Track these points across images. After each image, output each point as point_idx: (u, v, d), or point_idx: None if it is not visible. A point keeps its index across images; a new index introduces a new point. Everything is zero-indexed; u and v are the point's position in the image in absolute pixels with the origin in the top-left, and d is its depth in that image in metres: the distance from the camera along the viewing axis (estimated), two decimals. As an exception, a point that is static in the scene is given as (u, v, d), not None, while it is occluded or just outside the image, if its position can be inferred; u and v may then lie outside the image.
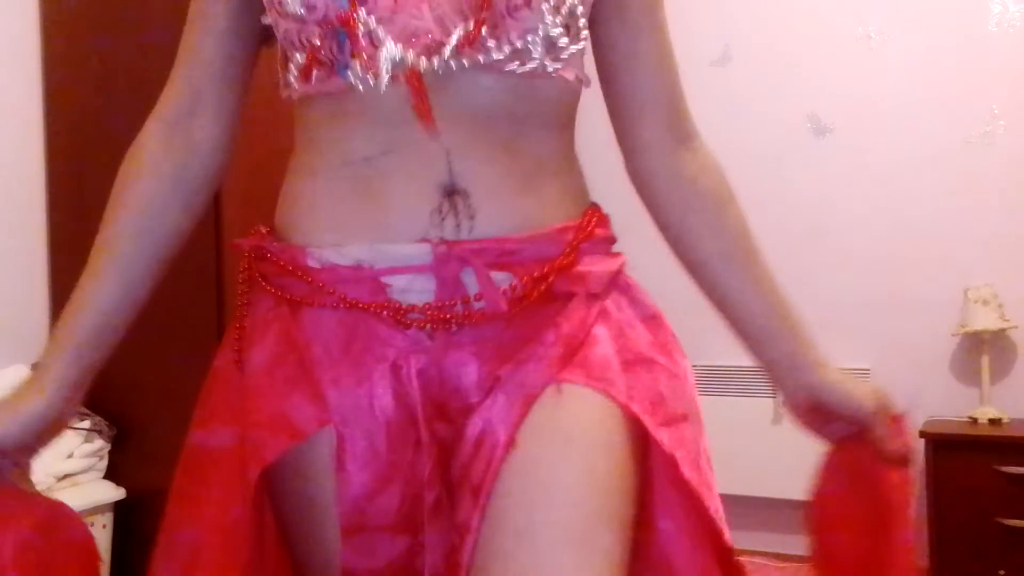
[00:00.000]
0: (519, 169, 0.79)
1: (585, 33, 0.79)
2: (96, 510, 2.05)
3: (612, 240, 0.88)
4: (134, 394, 2.18)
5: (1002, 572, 2.68)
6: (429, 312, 0.76)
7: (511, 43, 0.74)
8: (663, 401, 0.80)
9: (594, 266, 0.82)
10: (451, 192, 0.76)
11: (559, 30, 0.76)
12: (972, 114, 3.05)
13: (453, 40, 0.73)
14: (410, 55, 0.73)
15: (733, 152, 3.77)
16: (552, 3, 0.75)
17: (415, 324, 0.77)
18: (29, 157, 2.32)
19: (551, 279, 0.78)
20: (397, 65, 0.73)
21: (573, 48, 0.78)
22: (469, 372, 0.77)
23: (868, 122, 3.20)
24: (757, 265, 0.91)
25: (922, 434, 2.82)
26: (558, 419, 0.74)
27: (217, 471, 0.80)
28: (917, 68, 3.13)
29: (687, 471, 0.78)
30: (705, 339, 3.12)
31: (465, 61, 0.74)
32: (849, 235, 3.23)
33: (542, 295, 0.78)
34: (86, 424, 2.13)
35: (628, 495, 0.75)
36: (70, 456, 2.08)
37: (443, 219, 0.76)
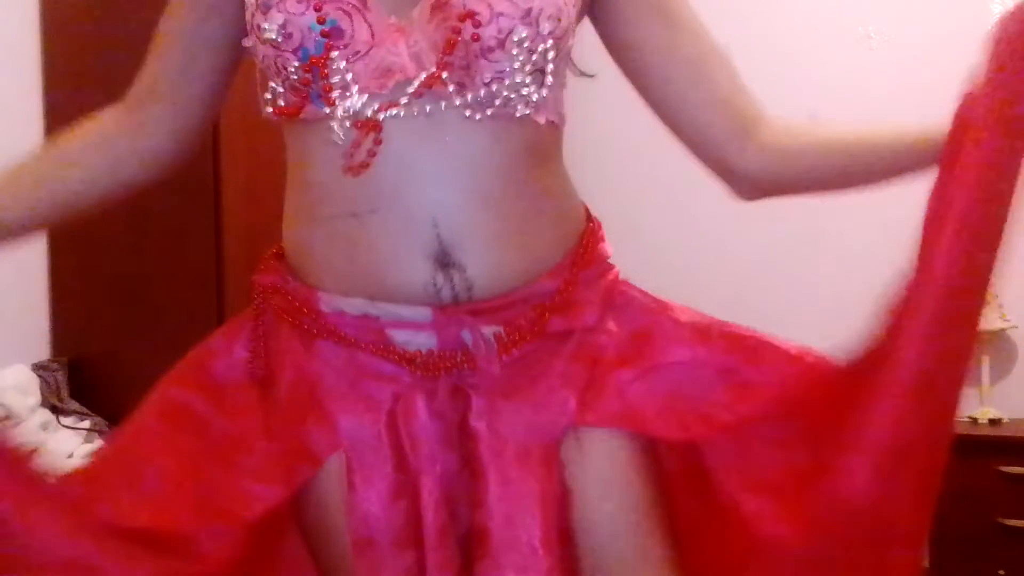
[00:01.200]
0: (510, 222, 0.82)
1: (551, 80, 0.80)
2: (96, 510, 2.05)
3: (606, 255, 0.90)
4: (134, 394, 2.18)
5: (1002, 572, 2.68)
6: (431, 360, 0.82)
7: (485, 85, 0.76)
8: (674, 393, 0.86)
9: (588, 292, 0.86)
10: (445, 265, 0.79)
11: (527, 76, 0.77)
12: (972, 114, 3.05)
13: (416, 82, 0.76)
14: (374, 106, 0.76)
15: (733, 152, 3.71)
16: (526, 47, 0.76)
17: (419, 370, 0.82)
18: (29, 157, 2.32)
19: (542, 323, 0.83)
20: (358, 114, 0.76)
21: (540, 93, 0.79)
22: (474, 404, 0.82)
23: (868, 122, 3.20)
24: (847, 145, 0.96)
25: (922, 434, 2.82)
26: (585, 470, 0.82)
27: (178, 426, 0.88)
28: (917, 68, 3.13)
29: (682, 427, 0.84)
30: (705, 339, 3.12)
31: (443, 103, 0.77)
32: (849, 235, 3.22)
33: (536, 335, 0.83)
34: (86, 424, 2.13)
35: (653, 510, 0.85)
36: (70, 456, 2.07)
37: (439, 290, 0.80)
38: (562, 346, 0.84)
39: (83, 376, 2.25)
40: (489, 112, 0.78)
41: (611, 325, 0.87)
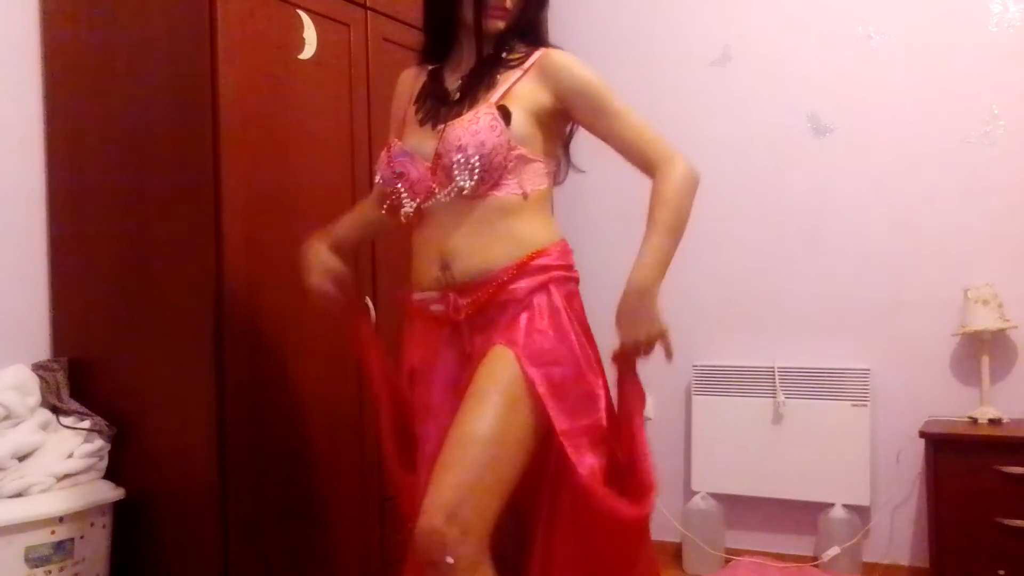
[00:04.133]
0: (476, 247, 1.58)
1: (489, 177, 1.56)
2: (96, 510, 2.05)
3: (546, 267, 1.60)
4: (134, 394, 2.18)
5: (1002, 572, 2.68)
6: (443, 316, 1.63)
7: (455, 188, 1.56)
8: (543, 353, 1.55)
9: (523, 284, 1.58)
10: (444, 268, 1.61)
11: (470, 182, 1.54)
12: (972, 114, 3.05)
13: (424, 196, 1.63)
14: (415, 203, 1.62)
15: (733, 152, 3.76)
16: (464, 164, 1.53)
17: (440, 320, 1.64)
18: (29, 157, 2.32)
19: (488, 297, 1.58)
20: (409, 211, 1.63)
21: (485, 185, 1.55)
22: (466, 337, 1.63)
23: (868, 122, 3.20)
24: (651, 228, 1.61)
25: (922, 434, 2.82)
26: (490, 364, 1.56)
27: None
28: (917, 68, 3.13)
29: (540, 387, 1.51)
30: (705, 339, 3.12)
31: (443, 197, 1.58)
32: (849, 235, 3.23)
33: (489, 303, 1.59)
34: (86, 424, 2.13)
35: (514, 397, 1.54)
36: (70, 456, 2.07)
37: (440, 281, 1.61)
38: (503, 311, 1.58)
39: (83, 376, 2.25)
40: (463, 196, 1.56)
41: (535, 304, 1.58)
